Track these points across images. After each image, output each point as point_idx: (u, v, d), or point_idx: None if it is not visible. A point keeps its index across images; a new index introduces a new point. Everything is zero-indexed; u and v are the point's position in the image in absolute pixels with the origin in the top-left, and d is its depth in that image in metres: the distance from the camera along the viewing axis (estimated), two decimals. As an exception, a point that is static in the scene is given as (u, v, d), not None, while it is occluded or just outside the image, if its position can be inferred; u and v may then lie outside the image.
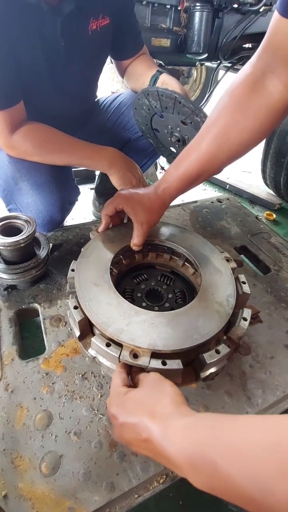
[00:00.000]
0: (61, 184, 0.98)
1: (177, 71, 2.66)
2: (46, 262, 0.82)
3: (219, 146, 0.65)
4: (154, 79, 0.98)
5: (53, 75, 0.89)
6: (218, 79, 2.16)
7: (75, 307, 0.61)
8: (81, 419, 0.57)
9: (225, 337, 0.62)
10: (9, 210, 1.01)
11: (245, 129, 0.62)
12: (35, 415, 0.56)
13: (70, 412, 0.58)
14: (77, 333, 0.61)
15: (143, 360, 0.51)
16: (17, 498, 0.47)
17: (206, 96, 2.30)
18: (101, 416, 0.57)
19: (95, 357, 0.60)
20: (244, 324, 0.61)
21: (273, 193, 1.86)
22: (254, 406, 0.61)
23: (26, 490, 0.48)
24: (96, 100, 1.25)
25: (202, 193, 1.94)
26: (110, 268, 0.69)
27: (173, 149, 1.02)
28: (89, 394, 0.60)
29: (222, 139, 0.64)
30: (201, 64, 2.63)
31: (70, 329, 0.70)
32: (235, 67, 1.93)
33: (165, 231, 0.83)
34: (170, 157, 1.09)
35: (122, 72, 1.12)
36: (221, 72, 2.08)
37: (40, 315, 0.75)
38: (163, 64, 1.44)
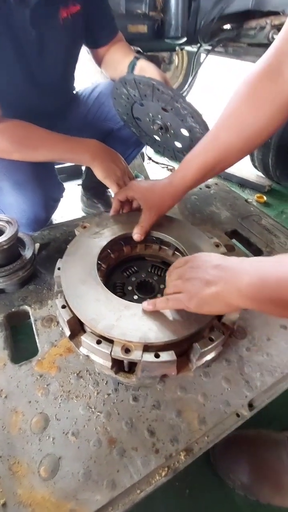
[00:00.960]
0: (43, 181, 0.95)
1: (158, 57, 2.60)
2: (33, 263, 0.80)
3: (237, 135, 0.64)
4: (132, 66, 0.94)
5: (27, 68, 0.85)
6: (201, 62, 2.12)
7: (63, 306, 0.59)
8: (78, 418, 0.55)
9: (219, 323, 0.61)
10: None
11: (262, 116, 0.61)
12: (31, 419, 0.55)
13: (67, 412, 0.56)
14: (68, 333, 0.59)
15: (136, 354, 0.50)
16: (16, 505, 0.46)
17: (189, 80, 2.25)
18: (98, 413, 0.56)
19: (87, 356, 0.58)
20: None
21: (262, 175, 1.84)
22: (253, 390, 0.60)
23: (25, 496, 0.47)
24: (75, 92, 1.21)
25: (191, 180, 1.91)
26: (98, 263, 0.67)
27: (156, 137, 0.99)
28: (85, 392, 0.59)
29: (240, 128, 0.64)
30: (181, 49, 2.57)
31: (62, 329, 0.68)
32: (215, 49, 1.88)
33: None
34: (155, 145, 1.06)
35: (99, 61, 1.08)
36: (203, 56, 2.03)
37: (31, 316, 0.73)
38: (141, 51, 1.40)
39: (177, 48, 2.04)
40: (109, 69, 1.07)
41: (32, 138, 0.86)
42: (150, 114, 0.90)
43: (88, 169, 1.46)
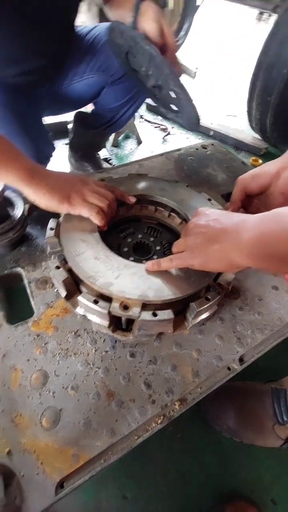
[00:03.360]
0: (34, 135, 0.88)
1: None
2: (24, 223, 0.76)
3: None
4: (136, 10, 0.78)
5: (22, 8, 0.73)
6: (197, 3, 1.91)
7: (57, 267, 0.58)
8: (77, 374, 0.57)
9: (215, 283, 0.61)
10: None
11: None
12: (30, 376, 0.56)
13: (66, 368, 0.58)
14: (63, 293, 0.58)
15: (134, 311, 0.50)
16: (21, 452, 0.48)
17: (186, 25, 2.04)
18: (96, 369, 0.58)
19: (84, 315, 0.58)
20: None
21: (259, 137, 1.77)
22: (244, 346, 0.63)
23: (29, 445, 0.49)
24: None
25: (186, 141, 1.83)
26: None
27: (156, 94, 0.89)
28: (83, 350, 0.60)
29: None
30: (177, -12, 2.29)
31: (57, 290, 0.68)
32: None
33: (144, 184, 0.78)
34: (159, 103, 0.91)
35: None
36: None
37: (24, 279, 0.71)
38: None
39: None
40: (112, 8, 0.90)
41: None
42: (143, 68, 0.81)
43: (76, 125, 1.36)
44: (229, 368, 0.60)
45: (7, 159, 0.58)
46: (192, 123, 0.77)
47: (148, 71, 0.76)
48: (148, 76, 0.80)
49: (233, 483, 0.69)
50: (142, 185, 0.77)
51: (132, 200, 0.72)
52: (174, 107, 0.80)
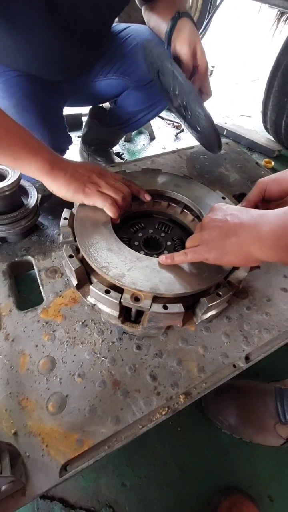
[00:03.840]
0: (52, 128, 0.89)
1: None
2: (36, 213, 0.77)
3: None
4: (172, 24, 0.78)
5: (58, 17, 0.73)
6: (217, 3, 1.89)
7: (71, 256, 0.59)
8: (84, 362, 0.58)
9: (225, 281, 0.62)
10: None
11: None
12: (38, 361, 0.57)
13: (73, 356, 0.59)
14: (75, 282, 0.59)
15: (145, 303, 0.50)
16: (26, 434, 0.49)
17: (204, 24, 2.02)
18: (103, 358, 0.59)
19: (94, 305, 0.59)
20: (246, 268, 0.60)
21: (273, 139, 1.75)
22: (251, 344, 0.64)
23: (35, 427, 0.50)
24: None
25: (198, 140, 1.82)
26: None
27: (184, 114, 0.85)
28: (90, 339, 0.61)
29: None
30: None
31: (67, 280, 0.68)
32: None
33: (159, 179, 0.78)
34: (186, 123, 0.90)
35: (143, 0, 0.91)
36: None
37: (34, 267, 0.72)
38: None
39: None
40: (150, 13, 0.90)
41: None
42: (171, 88, 0.80)
43: (91, 120, 1.36)
44: (234, 366, 0.61)
45: (28, 150, 0.59)
46: (212, 146, 0.77)
47: (175, 90, 0.75)
48: (175, 96, 0.79)
49: (230, 478, 0.69)
50: (156, 180, 0.78)
51: (148, 198, 0.72)
52: (198, 128, 0.80)
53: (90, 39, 0.87)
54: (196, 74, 0.75)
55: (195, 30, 0.75)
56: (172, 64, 0.67)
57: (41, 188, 0.91)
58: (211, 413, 0.74)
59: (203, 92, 0.80)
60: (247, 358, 0.62)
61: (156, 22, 0.85)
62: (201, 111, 0.67)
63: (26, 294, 0.86)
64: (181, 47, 0.72)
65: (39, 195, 0.85)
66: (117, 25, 1.05)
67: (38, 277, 0.70)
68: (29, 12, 0.70)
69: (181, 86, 0.68)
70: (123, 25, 1.04)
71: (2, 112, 0.57)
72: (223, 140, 1.22)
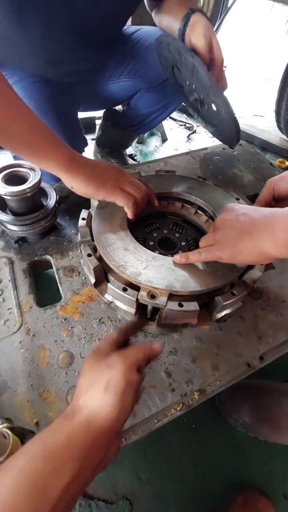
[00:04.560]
0: (68, 131, 0.92)
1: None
2: (55, 213, 0.80)
3: None
4: (186, 20, 0.78)
5: (72, 18, 0.76)
6: (229, 4, 1.89)
7: (89, 255, 0.61)
8: (101, 358, 0.60)
9: (239, 281, 0.62)
10: (14, 158, 0.95)
11: None
12: (58, 355, 0.60)
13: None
14: (93, 280, 0.61)
15: (161, 300, 0.52)
16: (47, 424, 0.51)
17: (216, 26, 2.02)
18: (120, 355, 0.60)
19: (111, 302, 0.61)
20: (260, 268, 0.61)
21: (287, 139, 1.73)
22: (265, 344, 0.64)
23: (55, 418, 0.52)
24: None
25: (211, 140, 1.82)
26: None
27: (199, 108, 0.87)
28: (107, 336, 0.63)
29: None
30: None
31: (84, 278, 0.71)
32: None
33: (172, 182, 0.80)
34: (199, 118, 0.92)
35: (152, 5, 0.93)
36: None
37: (53, 266, 0.75)
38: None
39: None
40: (160, 14, 0.92)
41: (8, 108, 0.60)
42: (187, 82, 0.81)
43: (104, 123, 1.39)
44: (248, 365, 0.62)
45: (47, 147, 0.60)
46: (231, 139, 0.77)
47: (192, 85, 0.76)
48: (191, 91, 0.80)
49: (245, 476, 0.70)
50: (170, 182, 0.79)
51: (156, 203, 0.74)
52: (215, 121, 0.80)
53: (104, 39, 0.90)
54: (213, 67, 0.76)
55: (209, 24, 0.75)
56: (194, 57, 0.68)
57: (57, 190, 0.94)
58: (226, 412, 0.75)
59: (220, 84, 0.80)
60: (261, 358, 0.63)
61: (168, 22, 0.86)
62: (222, 103, 0.69)
63: (44, 292, 0.89)
64: (198, 40, 0.72)
65: (57, 196, 0.88)
66: (129, 27, 1.07)
67: (56, 276, 0.73)
68: (47, 14, 0.73)
69: (201, 79, 0.69)
70: (134, 28, 1.06)
71: (26, 107, 0.58)
72: (237, 141, 1.22)
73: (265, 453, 0.73)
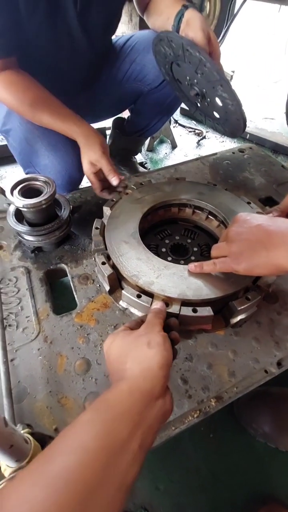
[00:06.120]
0: (74, 142, 0.95)
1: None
2: (69, 223, 0.82)
3: None
4: (180, 17, 0.80)
5: (65, 23, 0.81)
6: (235, 11, 1.91)
7: (103, 263, 0.62)
8: (117, 365, 0.60)
9: (254, 286, 0.62)
10: (27, 174, 1.00)
11: None
12: (75, 362, 0.61)
13: (106, 359, 0.61)
14: (107, 288, 0.62)
15: (174, 308, 0.52)
16: (67, 430, 0.52)
17: (222, 32, 2.04)
18: (135, 362, 0.61)
19: (126, 309, 0.62)
20: (274, 272, 0.60)
21: (299, 140, 1.72)
22: (283, 350, 0.63)
23: (74, 424, 0.53)
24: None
25: (220, 145, 1.82)
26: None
27: (198, 103, 0.90)
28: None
29: None
30: (216, -7, 2.31)
31: (99, 286, 0.72)
32: (256, -8, 1.68)
33: (183, 188, 0.81)
34: (197, 113, 0.96)
35: (143, 7, 0.96)
36: (238, 4, 1.82)
37: (68, 274, 0.77)
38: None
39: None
40: (153, 16, 0.94)
41: (27, 89, 0.81)
42: (187, 77, 0.82)
43: (113, 131, 1.43)
44: (266, 371, 0.60)
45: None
46: (237, 129, 0.78)
47: (193, 80, 0.77)
48: (191, 86, 0.82)
49: (266, 487, 0.68)
50: (180, 189, 0.80)
51: (115, 182, 0.80)
52: (216, 115, 0.81)
53: (94, 40, 0.93)
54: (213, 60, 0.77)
55: (204, 18, 0.77)
56: (201, 51, 0.69)
57: (71, 199, 0.97)
58: (244, 420, 0.73)
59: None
60: (279, 364, 0.61)
61: (161, 22, 0.87)
62: (230, 96, 0.70)
63: (60, 300, 0.91)
64: (196, 34, 0.73)
65: (71, 206, 0.91)
66: (122, 36, 1.11)
67: (71, 284, 0.75)
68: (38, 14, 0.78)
69: (207, 73, 0.70)
70: (127, 35, 1.10)
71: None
72: (246, 144, 1.22)
73: (287, 465, 0.70)
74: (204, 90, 0.79)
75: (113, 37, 1.11)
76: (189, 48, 0.69)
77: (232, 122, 0.78)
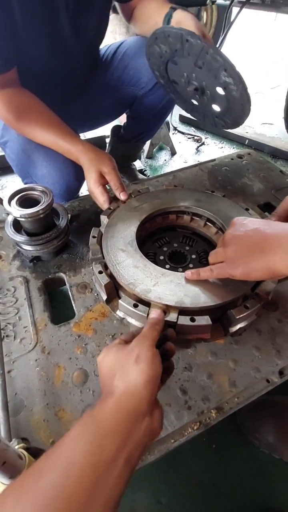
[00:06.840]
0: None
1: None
2: (67, 232, 0.82)
3: None
4: (168, 18, 0.82)
5: (57, 31, 0.82)
6: (232, 20, 1.93)
7: (100, 272, 0.62)
8: (115, 375, 0.60)
9: (253, 293, 0.61)
10: (25, 184, 1.00)
11: None
12: (72, 373, 0.60)
13: (104, 369, 0.60)
14: (104, 297, 0.62)
15: (171, 316, 0.52)
16: (64, 443, 0.51)
17: (220, 40, 2.07)
18: (133, 372, 0.60)
19: (123, 319, 0.61)
20: (274, 280, 0.59)
21: (298, 145, 1.72)
22: (284, 358, 0.61)
23: (71, 437, 0.52)
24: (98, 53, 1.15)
25: (220, 151, 1.83)
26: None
27: (194, 102, 0.90)
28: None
29: None
30: (212, 2, 2.34)
31: (97, 295, 0.72)
32: (250, 1, 1.69)
33: (180, 196, 0.81)
34: (194, 113, 0.96)
35: (129, 15, 0.98)
36: (234, 13, 1.84)
37: (66, 283, 0.76)
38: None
39: (207, 1, 1.86)
40: (140, 22, 0.96)
41: (28, 109, 0.83)
42: (185, 74, 0.82)
43: (112, 138, 1.44)
44: (268, 380, 0.59)
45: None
46: (241, 115, 0.77)
47: (191, 75, 0.77)
48: (189, 82, 0.81)
49: (270, 499, 0.66)
50: (178, 196, 0.80)
51: (123, 197, 0.79)
52: (216, 108, 0.81)
53: (84, 48, 0.96)
54: None
55: (195, 17, 0.78)
56: (201, 39, 0.68)
57: (69, 208, 0.98)
58: (247, 430, 0.71)
59: None
60: (281, 373, 0.60)
61: (150, 26, 0.86)
62: (236, 78, 0.69)
63: (58, 309, 0.91)
64: (191, 25, 0.74)
65: (69, 215, 0.91)
66: (112, 44, 1.13)
67: (69, 293, 0.74)
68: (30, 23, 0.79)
69: (209, 61, 0.69)
70: (117, 43, 1.12)
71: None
72: (245, 150, 1.23)
73: (291, 476, 0.68)
74: (203, 83, 0.78)
75: (104, 45, 1.13)
76: (189, 37, 0.68)
77: (235, 110, 0.77)
